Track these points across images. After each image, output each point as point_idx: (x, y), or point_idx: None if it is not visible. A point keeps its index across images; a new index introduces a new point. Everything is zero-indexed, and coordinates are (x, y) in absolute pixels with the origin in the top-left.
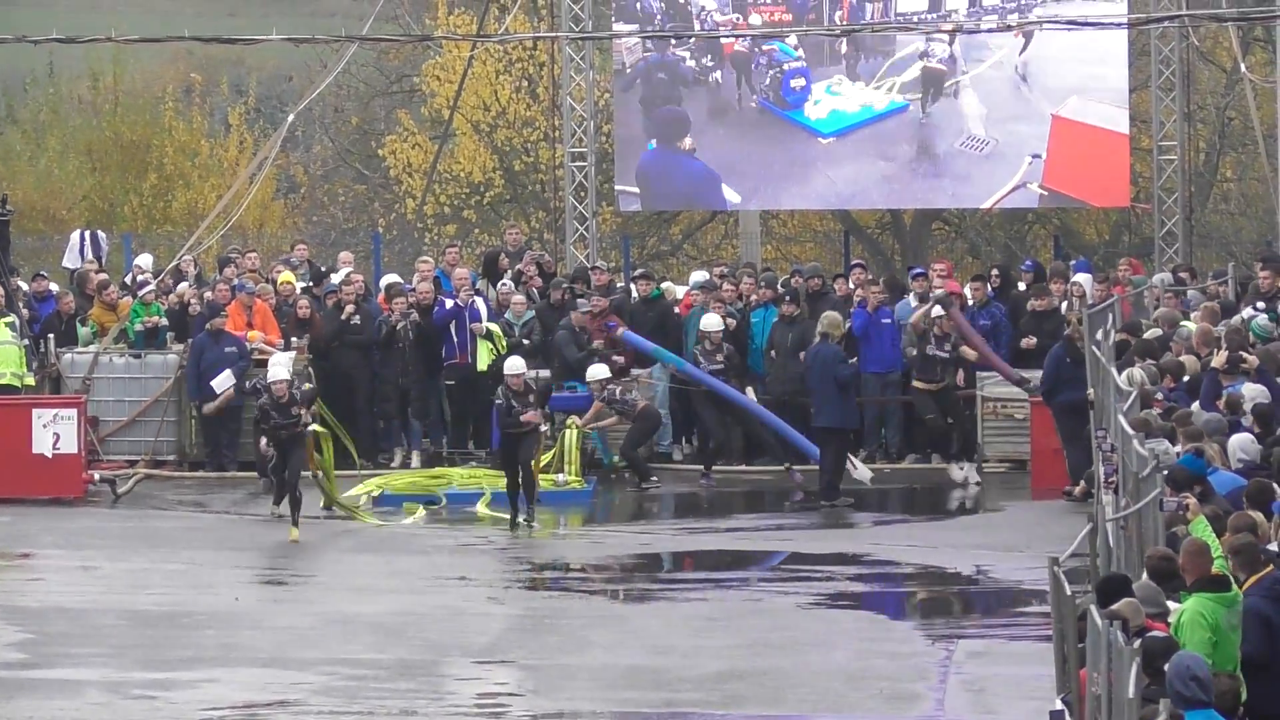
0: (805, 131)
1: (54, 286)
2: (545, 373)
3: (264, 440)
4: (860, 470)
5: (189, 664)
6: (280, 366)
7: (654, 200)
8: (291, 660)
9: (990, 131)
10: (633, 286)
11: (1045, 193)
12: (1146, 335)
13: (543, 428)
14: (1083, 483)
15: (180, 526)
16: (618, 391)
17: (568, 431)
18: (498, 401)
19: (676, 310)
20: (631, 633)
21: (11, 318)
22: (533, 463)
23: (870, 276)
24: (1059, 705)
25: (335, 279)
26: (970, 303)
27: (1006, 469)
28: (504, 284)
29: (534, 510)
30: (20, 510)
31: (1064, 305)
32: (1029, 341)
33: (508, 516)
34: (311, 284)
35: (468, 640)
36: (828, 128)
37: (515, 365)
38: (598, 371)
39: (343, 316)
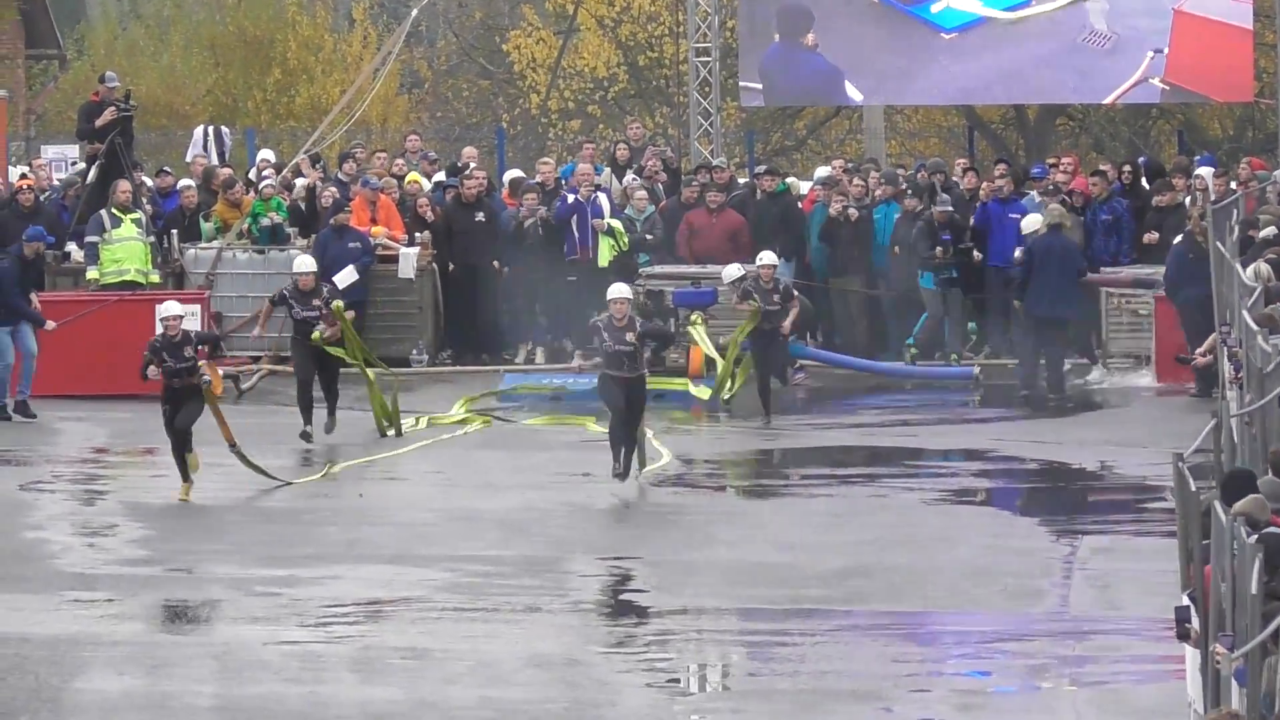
0: (927, 27)
1: (186, 181)
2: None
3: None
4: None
5: (312, 561)
6: (175, 307)
7: (777, 96)
8: (415, 557)
9: (1112, 26)
10: (756, 182)
11: (1167, 87)
12: (1263, 232)
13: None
14: (1199, 352)
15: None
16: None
17: (693, 329)
18: (598, 322)
19: (800, 206)
20: (756, 529)
21: (138, 214)
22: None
23: (1004, 171)
24: (1184, 601)
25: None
26: (1093, 198)
27: (1130, 364)
28: (630, 178)
29: (641, 459)
30: (143, 406)
31: (1187, 201)
32: (1151, 237)
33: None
34: (446, 177)
35: (592, 537)
36: (950, 23)
37: (620, 291)
38: (732, 272)
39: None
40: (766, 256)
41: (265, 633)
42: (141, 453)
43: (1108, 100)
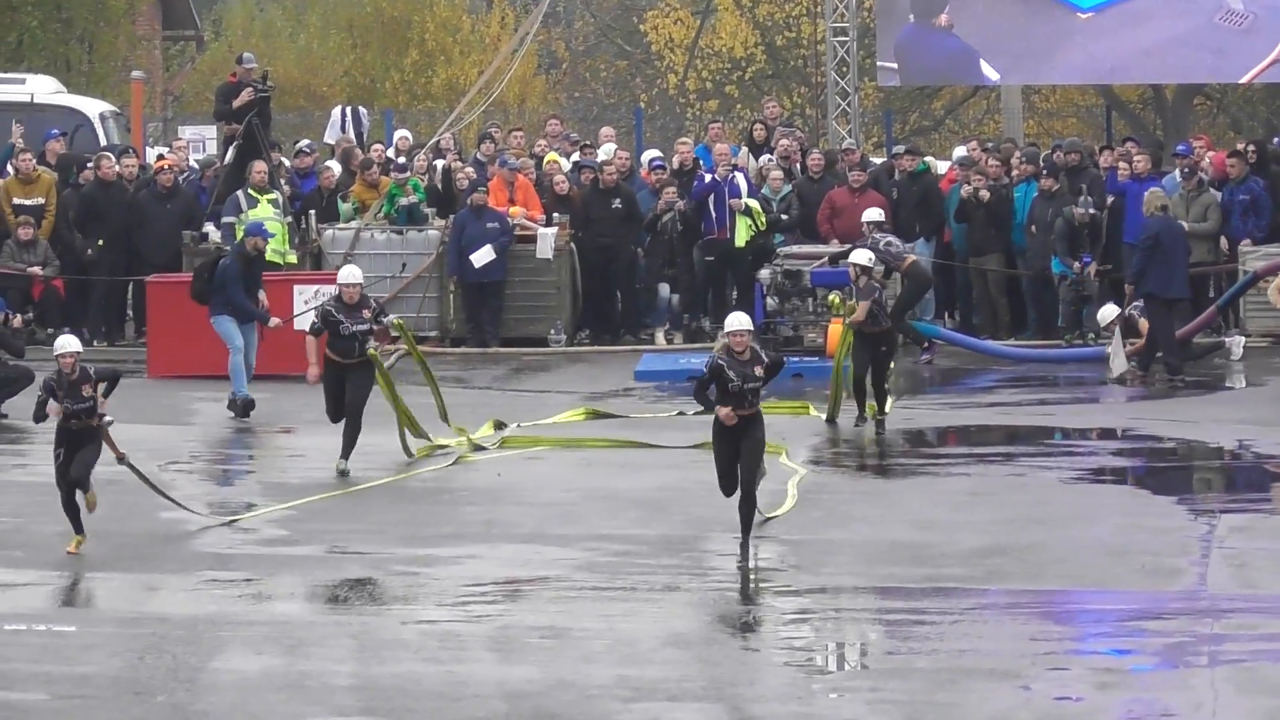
0: (1064, 7)
1: (329, 162)
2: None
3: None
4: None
5: (451, 540)
6: (71, 343)
7: (912, 75)
8: (553, 536)
9: (1249, 6)
10: (895, 163)
11: None
12: None
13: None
14: None
15: (444, 403)
16: (881, 242)
17: (833, 308)
18: (720, 361)
19: (939, 185)
20: (894, 508)
21: (275, 194)
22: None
23: (1137, 149)
24: None
25: (600, 155)
26: (1230, 178)
27: (1268, 344)
28: (766, 158)
29: (749, 539)
30: (281, 386)
31: None
32: None
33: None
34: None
35: (730, 516)
36: (1087, 2)
37: (740, 321)
38: (859, 257)
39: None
40: (858, 255)
41: (404, 612)
42: (279, 432)
43: (1244, 80)
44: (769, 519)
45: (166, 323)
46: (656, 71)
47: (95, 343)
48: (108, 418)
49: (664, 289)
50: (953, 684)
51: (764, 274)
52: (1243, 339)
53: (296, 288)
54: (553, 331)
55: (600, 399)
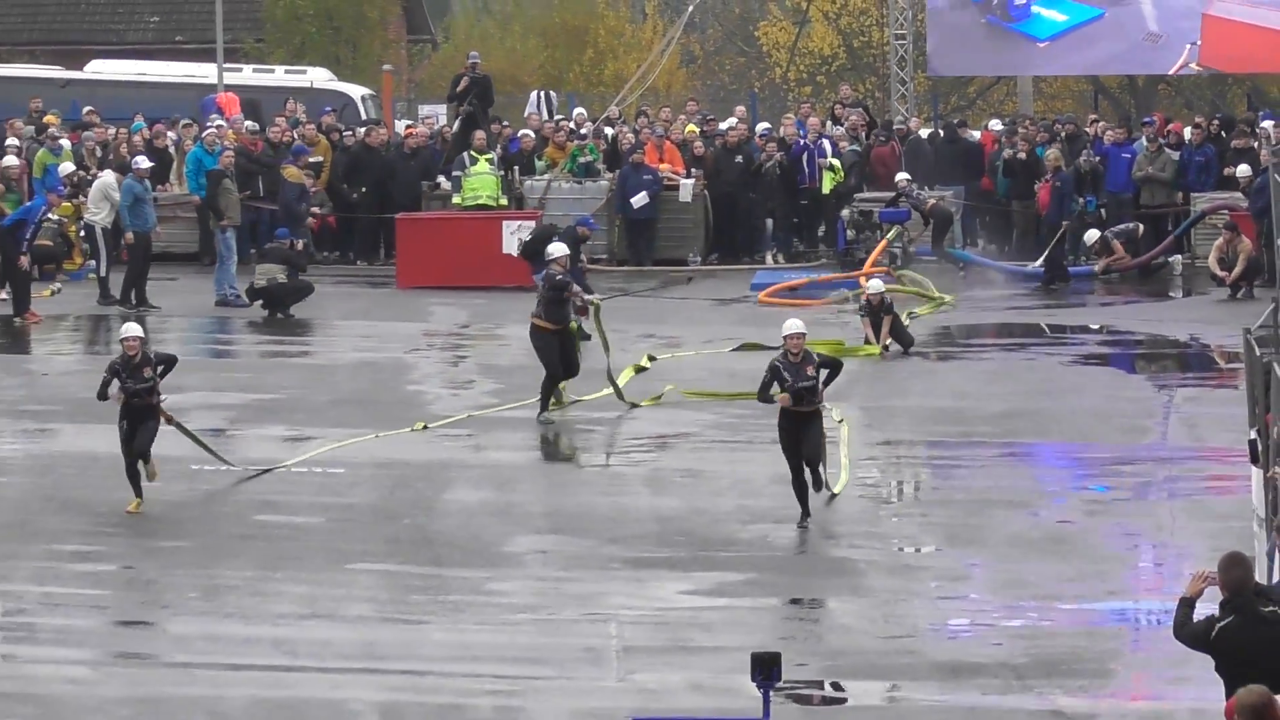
0: (1025, 38)
1: (526, 131)
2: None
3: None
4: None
5: (617, 406)
6: (135, 328)
7: (940, 70)
8: (690, 403)
9: (1162, 28)
10: (940, 131)
11: (1202, 70)
12: None
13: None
14: None
15: (611, 306)
16: (914, 192)
17: (887, 238)
18: (776, 363)
19: (966, 146)
20: (939, 383)
21: (491, 154)
22: (822, 463)
23: (1115, 125)
24: (1252, 435)
25: (723, 126)
26: (1187, 140)
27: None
28: (837, 128)
29: (808, 507)
30: (492, 295)
31: (1256, 145)
32: (1230, 170)
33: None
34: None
35: None
36: (1043, 33)
37: (794, 326)
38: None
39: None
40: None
41: (583, 458)
42: (494, 327)
43: (1169, 72)
44: (833, 495)
45: (411, 248)
46: (766, 66)
47: (359, 262)
48: (163, 397)
49: (769, 224)
50: (981, 511)
51: (844, 213)
52: (1180, 257)
53: (505, 223)
54: (691, 254)
55: (726, 304)
